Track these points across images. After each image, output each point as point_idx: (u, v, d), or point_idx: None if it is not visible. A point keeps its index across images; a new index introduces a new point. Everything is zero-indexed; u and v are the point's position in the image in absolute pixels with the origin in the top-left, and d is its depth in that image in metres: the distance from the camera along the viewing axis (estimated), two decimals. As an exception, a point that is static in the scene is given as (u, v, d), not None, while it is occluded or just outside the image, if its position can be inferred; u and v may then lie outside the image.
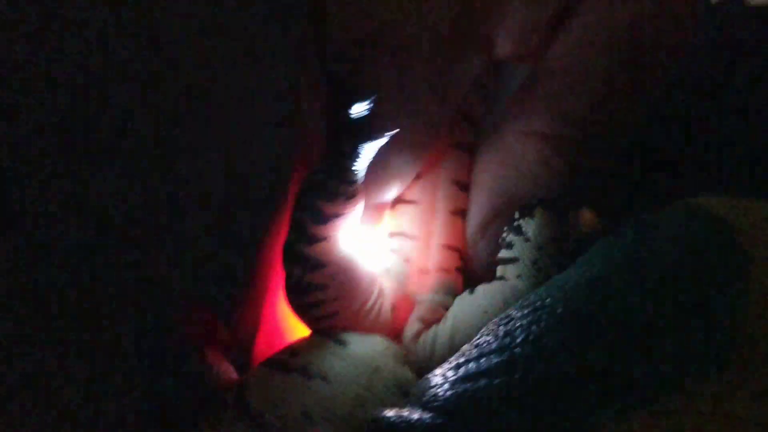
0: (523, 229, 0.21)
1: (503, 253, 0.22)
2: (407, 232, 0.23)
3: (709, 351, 0.15)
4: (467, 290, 0.22)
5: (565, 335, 0.16)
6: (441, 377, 0.18)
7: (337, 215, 0.20)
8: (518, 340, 0.17)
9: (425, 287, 0.23)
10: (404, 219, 0.24)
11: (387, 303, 0.22)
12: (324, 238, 0.20)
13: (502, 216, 0.23)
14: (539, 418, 0.16)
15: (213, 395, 0.20)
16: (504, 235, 0.22)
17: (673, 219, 0.18)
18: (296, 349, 0.21)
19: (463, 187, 0.24)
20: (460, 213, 0.24)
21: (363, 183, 0.21)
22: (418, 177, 0.24)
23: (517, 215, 0.22)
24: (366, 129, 0.20)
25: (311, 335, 0.22)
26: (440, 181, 0.24)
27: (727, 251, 0.16)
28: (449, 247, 0.23)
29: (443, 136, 0.24)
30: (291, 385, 0.20)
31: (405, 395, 0.20)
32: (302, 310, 0.21)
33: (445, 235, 0.23)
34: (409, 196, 0.24)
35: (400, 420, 0.17)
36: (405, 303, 0.23)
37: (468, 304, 0.22)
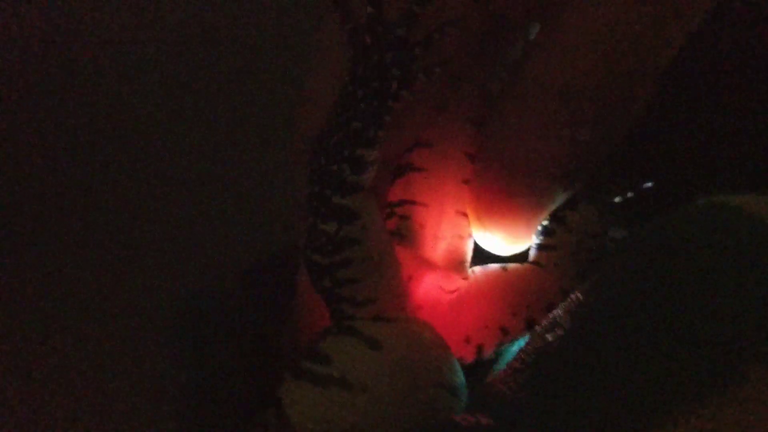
0: (567, 219, 0.22)
1: (542, 240, 0.22)
2: (419, 198, 0.23)
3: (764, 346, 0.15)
4: (499, 265, 0.22)
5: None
6: (502, 384, 0.18)
7: (374, 162, 0.20)
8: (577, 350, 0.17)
9: (440, 253, 0.23)
10: (415, 186, 0.23)
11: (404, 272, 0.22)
12: (362, 188, 0.20)
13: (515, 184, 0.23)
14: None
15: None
16: (545, 222, 0.22)
17: (705, 223, 0.18)
18: (326, 355, 0.20)
19: (472, 158, 0.24)
20: (467, 182, 0.23)
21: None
22: (427, 146, 0.23)
23: (561, 207, 0.22)
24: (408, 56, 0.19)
25: (337, 333, 0.20)
26: (451, 150, 0.23)
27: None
28: (462, 214, 0.23)
29: (453, 107, 0.23)
30: (333, 401, 0.19)
31: (452, 392, 0.20)
32: (327, 274, 0.20)
33: (458, 201, 0.23)
34: (419, 164, 0.23)
35: (470, 426, 0.17)
36: (420, 271, 0.23)
37: (503, 281, 0.22)
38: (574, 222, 0.21)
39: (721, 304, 0.16)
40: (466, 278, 0.23)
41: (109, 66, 0.44)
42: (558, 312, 0.18)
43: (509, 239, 0.24)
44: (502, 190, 0.23)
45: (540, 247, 0.22)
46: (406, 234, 0.23)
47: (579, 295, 0.18)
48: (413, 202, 0.23)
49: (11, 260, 0.42)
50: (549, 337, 0.18)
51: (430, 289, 0.22)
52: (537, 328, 0.20)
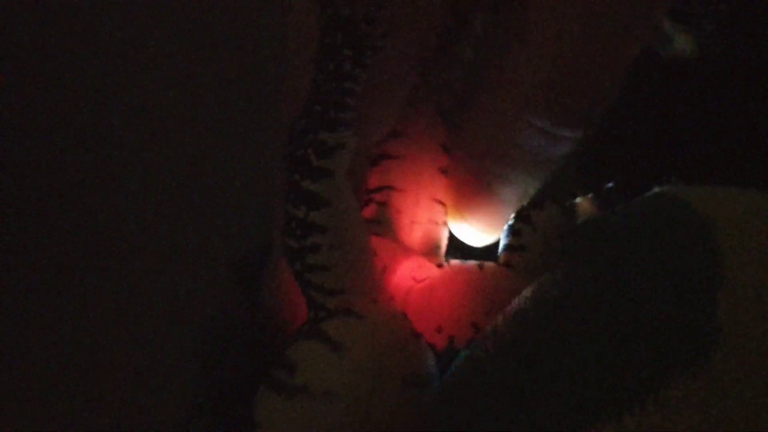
0: (533, 218, 0.22)
1: (510, 239, 0.22)
2: (396, 184, 0.23)
3: (688, 352, 0.15)
4: (475, 262, 0.22)
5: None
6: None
7: (341, 146, 0.20)
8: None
9: (416, 239, 0.23)
10: (391, 173, 0.23)
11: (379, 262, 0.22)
12: (330, 173, 0.20)
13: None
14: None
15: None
16: (511, 222, 0.22)
17: (648, 213, 0.17)
18: (292, 362, 0.19)
19: (447, 149, 0.24)
20: (444, 171, 0.24)
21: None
22: (400, 135, 0.24)
23: (525, 207, 0.22)
24: (369, 34, 0.19)
25: (304, 337, 0.20)
26: (426, 141, 0.24)
27: (703, 249, 0.16)
28: (438, 201, 0.24)
29: (423, 100, 0.24)
30: (297, 410, 0.19)
31: (421, 385, 0.20)
32: (298, 259, 0.20)
33: (434, 188, 0.23)
34: (393, 152, 0.24)
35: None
36: (395, 261, 0.23)
37: (478, 278, 0.22)
38: (540, 221, 0.22)
39: (645, 307, 0.15)
40: (440, 265, 0.23)
41: (100, 65, 0.45)
42: (504, 312, 0.18)
43: (485, 229, 0.24)
44: (477, 180, 0.23)
45: (509, 248, 0.22)
46: (383, 220, 0.23)
47: (523, 294, 0.18)
48: (391, 188, 0.23)
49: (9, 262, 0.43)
50: (489, 339, 0.18)
51: (404, 278, 0.23)
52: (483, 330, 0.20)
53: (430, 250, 0.23)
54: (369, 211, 0.23)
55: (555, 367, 0.16)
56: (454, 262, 0.24)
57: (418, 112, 0.24)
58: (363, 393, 0.19)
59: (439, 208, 0.24)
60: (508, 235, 0.22)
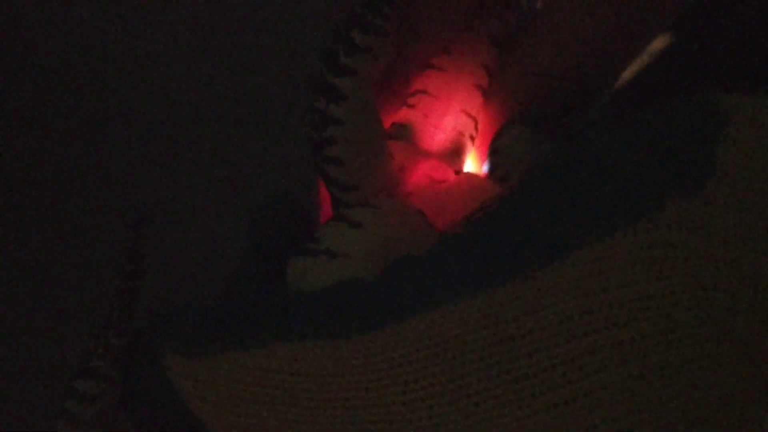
0: (503, 138, 0.23)
1: (491, 161, 0.24)
2: (430, 90, 0.24)
3: (683, 177, 0.15)
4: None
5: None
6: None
7: (369, 49, 0.21)
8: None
9: (437, 144, 0.24)
10: (429, 80, 0.24)
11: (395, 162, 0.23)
12: (353, 72, 0.21)
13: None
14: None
15: None
16: (492, 144, 0.24)
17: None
18: (318, 236, 0.22)
19: (489, 71, 0.25)
20: (482, 90, 0.24)
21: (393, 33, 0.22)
22: (447, 51, 0.25)
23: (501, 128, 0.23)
24: None
25: (329, 222, 0.22)
26: (468, 57, 0.24)
27: (706, 116, 0.16)
28: (468, 114, 0.24)
29: (477, 26, 0.25)
30: (319, 267, 0.21)
31: None
32: (316, 150, 0.22)
33: (467, 101, 0.24)
34: (437, 64, 0.24)
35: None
36: (413, 161, 0.24)
37: (486, 187, 0.23)
38: (506, 141, 0.23)
39: (643, 137, 0.16)
40: (458, 172, 0.24)
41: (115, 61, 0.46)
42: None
43: None
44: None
45: (491, 167, 0.24)
46: (408, 122, 0.24)
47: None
48: (424, 92, 0.24)
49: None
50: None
51: (421, 177, 0.24)
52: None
53: (450, 157, 0.24)
54: (400, 114, 0.24)
55: (556, 186, 0.17)
56: (470, 171, 0.25)
57: (469, 32, 0.25)
58: (377, 258, 0.21)
59: (467, 120, 0.24)
60: (490, 156, 0.24)
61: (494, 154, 0.24)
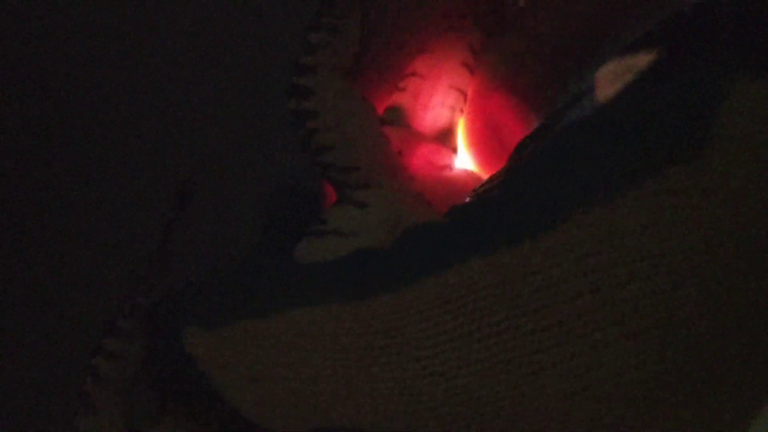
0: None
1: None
2: (418, 71, 0.26)
3: (683, 145, 0.16)
4: None
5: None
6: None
7: (326, 45, 0.23)
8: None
9: (426, 123, 0.26)
10: (418, 63, 0.26)
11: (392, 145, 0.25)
12: (310, 69, 0.23)
13: None
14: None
15: None
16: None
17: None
18: (325, 218, 0.24)
19: (474, 51, 0.26)
20: (469, 68, 0.26)
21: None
22: (437, 36, 0.26)
23: None
24: None
25: (333, 205, 0.24)
26: (454, 39, 0.26)
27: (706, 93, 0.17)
28: (457, 88, 0.26)
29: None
30: (328, 244, 0.23)
31: None
32: (306, 145, 0.24)
33: (453, 77, 0.26)
34: (427, 48, 0.26)
35: None
36: (410, 146, 0.25)
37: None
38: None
39: (647, 107, 0.17)
40: (455, 150, 0.25)
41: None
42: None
43: None
44: None
45: None
46: (399, 105, 0.26)
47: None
48: (413, 74, 0.26)
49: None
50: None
51: (422, 162, 0.25)
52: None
53: (441, 135, 0.26)
54: (392, 99, 0.26)
55: (560, 156, 0.18)
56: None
57: (454, 18, 0.26)
58: (383, 235, 0.23)
59: (456, 94, 0.26)
60: None
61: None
